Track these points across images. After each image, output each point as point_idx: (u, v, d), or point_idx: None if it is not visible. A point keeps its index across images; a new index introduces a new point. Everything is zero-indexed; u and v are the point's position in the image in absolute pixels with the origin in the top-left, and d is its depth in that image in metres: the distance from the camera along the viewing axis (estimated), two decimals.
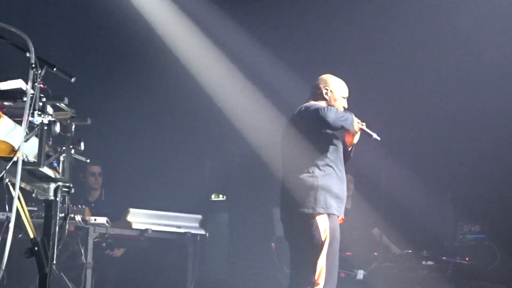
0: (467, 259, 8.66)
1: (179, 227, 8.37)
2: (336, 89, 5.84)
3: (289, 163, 5.76)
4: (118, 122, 9.78)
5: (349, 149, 5.93)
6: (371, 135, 5.81)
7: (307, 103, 5.78)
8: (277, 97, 9.29)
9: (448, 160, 9.57)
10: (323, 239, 5.48)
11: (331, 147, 5.65)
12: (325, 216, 5.52)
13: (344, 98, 5.85)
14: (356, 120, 5.69)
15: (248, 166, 10.08)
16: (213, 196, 10.71)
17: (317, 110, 5.55)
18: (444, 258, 8.51)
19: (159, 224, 8.23)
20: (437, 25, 9.24)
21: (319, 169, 5.56)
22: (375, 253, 8.55)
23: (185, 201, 9.69)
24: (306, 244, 5.51)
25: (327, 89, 5.82)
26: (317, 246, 5.47)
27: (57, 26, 9.51)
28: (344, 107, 5.83)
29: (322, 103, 5.77)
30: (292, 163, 5.70)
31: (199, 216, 8.65)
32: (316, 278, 5.45)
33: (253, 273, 9.54)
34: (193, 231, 8.44)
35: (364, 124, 5.82)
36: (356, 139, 5.90)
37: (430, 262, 8.37)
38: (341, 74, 6.08)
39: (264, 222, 9.59)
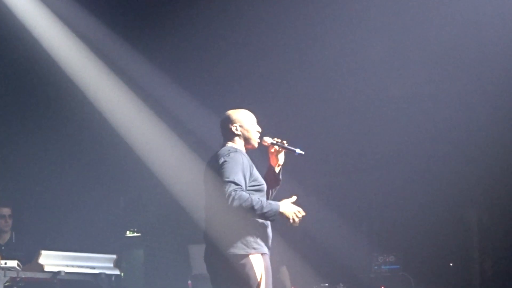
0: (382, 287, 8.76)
1: (93, 268, 8.20)
2: (243, 120, 5.69)
3: (214, 205, 5.58)
4: (28, 163, 9.62)
5: (277, 171, 5.82)
6: (294, 151, 5.72)
7: (222, 149, 5.63)
8: (187, 133, 9.31)
9: (361, 193, 9.68)
10: (259, 279, 5.37)
11: (255, 188, 5.55)
12: (259, 255, 5.43)
13: (253, 125, 5.72)
14: (280, 206, 5.40)
15: (162, 203, 10.02)
16: (128, 232, 10.60)
17: (224, 194, 5.31)
18: None
19: (72, 266, 8.04)
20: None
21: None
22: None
23: (100, 239, 9.55)
24: (242, 285, 5.41)
25: (236, 126, 5.70)
26: (254, 286, 5.37)
27: None
28: (258, 132, 5.70)
29: (239, 142, 5.69)
30: (218, 205, 5.53)
31: (113, 256, 8.49)
32: None
33: None
34: (107, 272, 8.28)
35: (284, 142, 5.75)
36: (281, 159, 5.78)
37: None
38: (253, 104, 6.01)
39: (180, 259, 9.52)
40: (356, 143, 9.57)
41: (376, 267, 9.03)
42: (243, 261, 5.36)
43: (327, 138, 9.46)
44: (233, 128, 5.68)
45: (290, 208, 5.42)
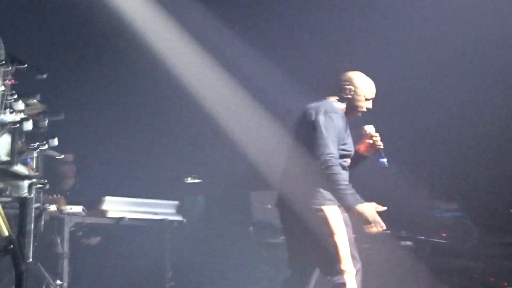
0: (443, 235, 8.68)
1: (155, 213, 8.31)
2: (360, 88, 5.59)
3: (296, 154, 5.53)
4: (91, 109, 9.71)
5: (363, 157, 5.82)
6: (380, 156, 5.67)
7: (326, 104, 5.50)
8: (247, 79, 9.28)
9: (424, 139, 9.58)
10: (335, 229, 5.34)
11: (343, 153, 5.47)
12: (335, 206, 5.40)
13: (368, 99, 5.61)
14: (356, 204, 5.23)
15: (223, 150, 10.03)
16: (188, 178, 10.64)
17: (321, 146, 5.26)
18: (423, 237, 8.51)
19: (135, 212, 8.16)
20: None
21: None
22: (354, 235, 8.53)
23: (160, 185, 9.63)
24: (324, 236, 5.32)
25: (350, 89, 5.58)
26: (334, 236, 5.34)
27: (27, 21, 9.38)
28: (367, 108, 5.63)
29: (343, 104, 5.62)
30: (299, 155, 5.48)
31: (176, 202, 8.61)
32: (343, 266, 5.33)
33: (231, 257, 9.50)
34: (170, 218, 8.39)
35: (380, 143, 5.68)
36: (370, 152, 5.79)
37: (408, 242, 8.37)
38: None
39: (241, 205, 9.54)
40: (417, 87, 9.45)
41: (438, 215, 8.96)
42: (318, 212, 5.34)
43: (389, 81, 9.34)
44: (346, 90, 5.59)
45: (370, 215, 5.23)
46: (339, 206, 5.38)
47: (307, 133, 5.41)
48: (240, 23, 9.52)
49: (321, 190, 5.36)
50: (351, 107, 5.60)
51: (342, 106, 5.57)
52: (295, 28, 9.74)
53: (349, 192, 5.22)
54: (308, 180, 5.38)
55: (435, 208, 9.00)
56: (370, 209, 5.24)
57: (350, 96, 5.58)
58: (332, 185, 5.24)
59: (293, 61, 9.38)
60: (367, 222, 5.22)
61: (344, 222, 5.38)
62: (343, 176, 5.29)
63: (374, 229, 5.24)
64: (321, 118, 5.34)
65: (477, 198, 9.10)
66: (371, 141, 5.71)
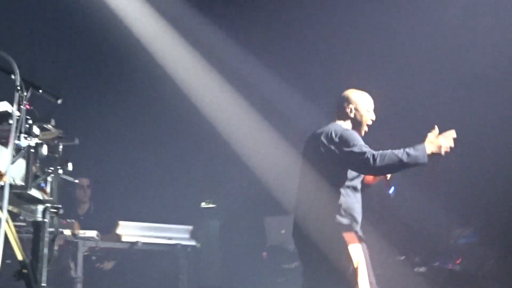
0: (458, 262, 8.62)
1: (169, 238, 8.32)
2: (359, 104, 5.63)
3: (310, 181, 5.52)
4: (106, 134, 9.73)
5: (368, 185, 5.80)
6: (389, 187, 5.68)
7: (335, 126, 5.53)
8: (264, 104, 9.30)
9: (440, 164, 9.52)
10: (357, 254, 5.34)
11: (354, 173, 5.48)
12: (352, 233, 5.40)
13: (369, 111, 5.64)
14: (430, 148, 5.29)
15: (238, 175, 10.04)
16: (203, 203, 10.64)
17: (359, 154, 5.25)
18: (437, 264, 8.45)
19: (149, 236, 8.18)
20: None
21: (343, 190, 5.42)
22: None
23: (175, 210, 9.63)
24: (341, 263, 5.31)
25: (351, 107, 5.62)
26: (352, 263, 5.30)
27: (40, 46, 9.47)
28: (372, 120, 5.66)
29: (347, 123, 5.65)
30: (313, 183, 5.47)
31: (189, 227, 8.60)
32: None
33: (245, 282, 9.48)
34: (183, 242, 8.40)
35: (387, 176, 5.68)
36: (374, 181, 5.79)
37: (422, 269, 8.32)
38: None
39: (255, 230, 9.54)
40: (435, 112, 9.42)
41: (452, 241, 8.89)
42: (335, 239, 5.33)
43: (404, 102, 9.32)
44: (348, 110, 5.62)
45: (439, 146, 5.30)
46: (356, 233, 5.38)
47: (320, 160, 5.42)
48: (256, 45, 9.55)
49: (338, 217, 5.35)
50: (357, 123, 5.63)
51: (348, 126, 5.59)
52: (313, 49, 9.73)
53: (412, 154, 5.21)
54: (324, 207, 5.37)
55: (450, 234, 8.93)
56: (435, 143, 5.31)
57: (353, 115, 5.61)
58: (394, 167, 5.24)
59: (311, 85, 9.38)
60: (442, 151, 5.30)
61: (361, 249, 5.36)
62: (392, 152, 5.24)
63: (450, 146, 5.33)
64: (336, 140, 5.37)
65: (493, 223, 9.02)
66: None
